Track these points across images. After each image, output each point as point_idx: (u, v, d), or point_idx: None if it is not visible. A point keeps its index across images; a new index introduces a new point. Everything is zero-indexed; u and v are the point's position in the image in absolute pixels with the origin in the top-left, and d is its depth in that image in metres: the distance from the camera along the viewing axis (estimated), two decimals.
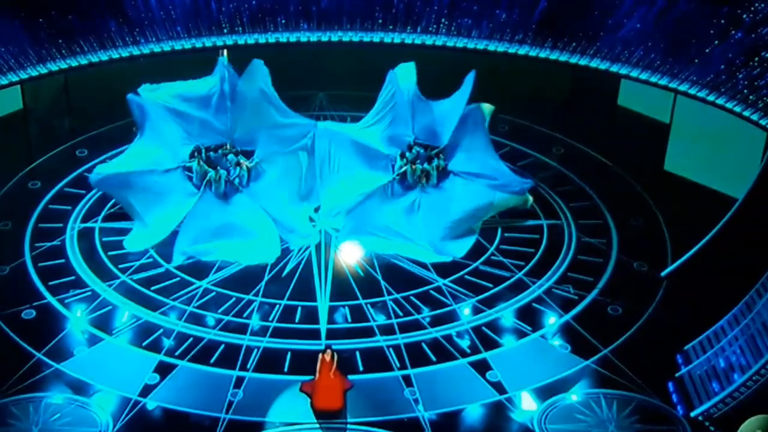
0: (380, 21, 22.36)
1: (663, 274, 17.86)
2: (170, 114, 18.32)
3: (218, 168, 18.11)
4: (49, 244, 18.34)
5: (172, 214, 17.90)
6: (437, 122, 18.87)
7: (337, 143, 18.50)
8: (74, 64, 21.09)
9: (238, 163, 18.29)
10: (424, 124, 18.91)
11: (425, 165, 18.45)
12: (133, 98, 18.22)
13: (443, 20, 22.17)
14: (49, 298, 17.00)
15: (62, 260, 17.96)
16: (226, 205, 17.98)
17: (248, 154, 18.53)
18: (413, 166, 18.50)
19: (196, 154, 18.36)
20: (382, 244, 18.07)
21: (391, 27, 22.35)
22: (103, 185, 18.31)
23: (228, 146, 18.56)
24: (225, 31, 22.01)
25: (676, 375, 15.61)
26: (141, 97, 18.21)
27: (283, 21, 22.28)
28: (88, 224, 18.91)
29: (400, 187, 18.53)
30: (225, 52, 22.83)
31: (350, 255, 18.13)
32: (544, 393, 15.36)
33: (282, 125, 18.43)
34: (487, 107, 18.84)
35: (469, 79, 18.67)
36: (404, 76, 18.78)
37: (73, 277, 17.54)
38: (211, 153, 18.42)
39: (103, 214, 19.10)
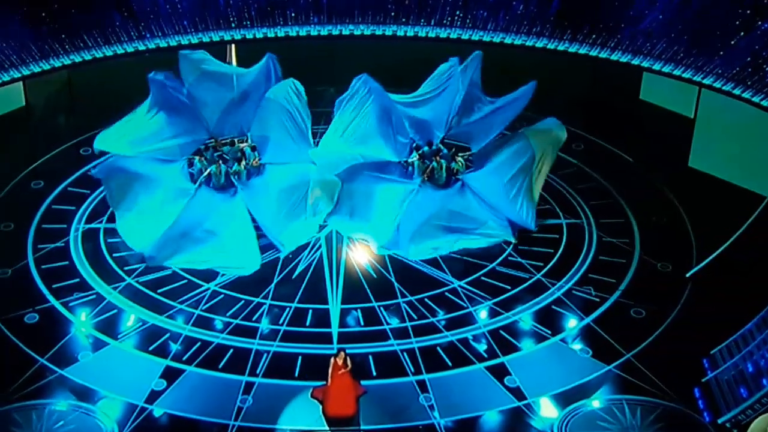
0: (393, 13, 22.29)
1: (688, 275, 17.80)
2: (190, 100, 18.39)
3: (219, 162, 18.12)
4: (52, 245, 18.39)
5: (166, 210, 17.72)
6: (480, 126, 18.61)
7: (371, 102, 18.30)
8: (78, 59, 21.06)
9: (243, 155, 18.35)
10: (464, 124, 18.72)
11: (433, 161, 18.29)
12: (155, 79, 18.18)
13: (458, 12, 22.08)
14: (53, 302, 17.03)
15: (66, 262, 17.99)
16: (214, 210, 17.78)
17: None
18: (422, 161, 18.37)
19: (202, 150, 18.38)
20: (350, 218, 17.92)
21: (404, 19, 22.27)
22: (106, 172, 18.08)
23: (242, 140, 18.71)
24: (233, 25, 21.97)
25: (703, 380, 15.53)
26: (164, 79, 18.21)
27: (293, 14, 22.24)
28: (93, 225, 18.95)
29: (404, 173, 18.35)
30: (233, 47, 22.90)
31: (362, 255, 18.12)
32: (565, 399, 15.30)
33: (292, 145, 18.40)
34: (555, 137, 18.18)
35: (527, 91, 18.25)
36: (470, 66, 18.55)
37: (77, 280, 17.58)
38: (226, 147, 18.58)
39: (108, 214, 19.07)
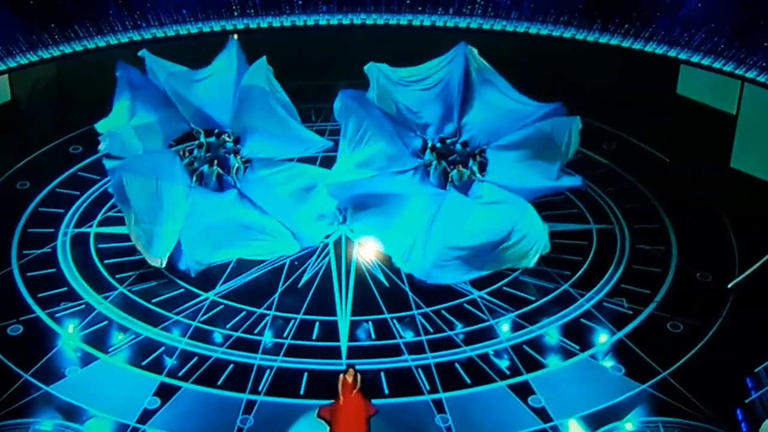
0: (408, 1, 22.30)
1: (730, 285, 17.66)
2: (167, 97, 18.47)
3: (214, 161, 18.13)
4: (38, 251, 18.36)
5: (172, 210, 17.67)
6: (494, 119, 18.42)
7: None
8: (68, 51, 21.23)
9: (235, 152, 18.38)
10: (477, 117, 18.59)
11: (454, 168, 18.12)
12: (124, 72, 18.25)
13: (478, 0, 22.08)
14: (39, 312, 16.99)
15: (53, 269, 17.98)
16: (224, 202, 17.85)
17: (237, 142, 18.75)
18: (438, 163, 18.24)
19: (186, 153, 18.41)
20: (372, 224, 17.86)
21: (420, 8, 22.32)
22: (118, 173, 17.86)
23: (226, 135, 18.75)
24: (235, 13, 22.08)
25: (746, 401, 15.29)
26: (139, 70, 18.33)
27: (300, 2, 22.28)
28: (83, 229, 18.93)
29: (424, 177, 18.21)
30: (235, 36, 22.86)
31: (374, 263, 18.08)
32: (595, 421, 15.14)
33: (282, 132, 18.44)
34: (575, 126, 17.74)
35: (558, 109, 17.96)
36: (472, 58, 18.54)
37: (65, 289, 17.54)
38: (212, 140, 18.63)
39: (98, 217, 19.11)
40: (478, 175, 18.01)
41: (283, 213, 17.90)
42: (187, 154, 18.35)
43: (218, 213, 17.59)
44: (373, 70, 18.73)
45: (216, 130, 18.84)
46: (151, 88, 18.58)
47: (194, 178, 17.91)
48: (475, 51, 18.62)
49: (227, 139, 18.63)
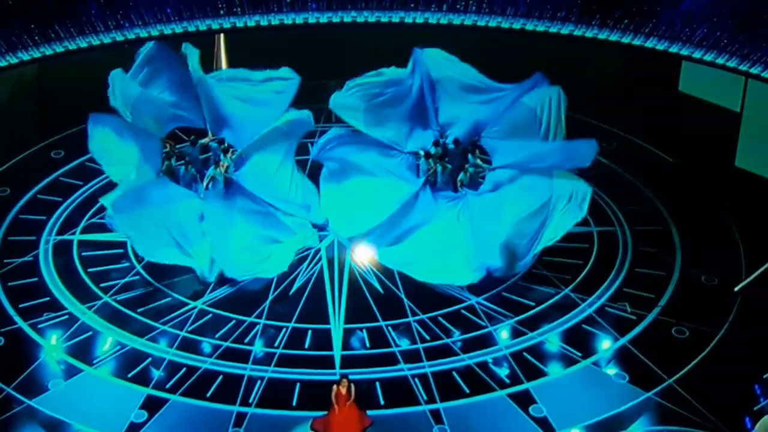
0: None
1: (736, 289, 17.69)
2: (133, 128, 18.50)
3: (218, 162, 18.34)
4: (19, 260, 18.32)
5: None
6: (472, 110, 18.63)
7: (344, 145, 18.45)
8: (49, 52, 21.01)
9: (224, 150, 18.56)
10: (451, 113, 18.75)
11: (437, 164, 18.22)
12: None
13: None
14: (20, 323, 16.94)
15: (35, 278, 17.93)
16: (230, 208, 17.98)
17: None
18: (443, 163, 18.22)
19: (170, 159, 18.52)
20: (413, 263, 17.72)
21: (412, 5, 22.24)
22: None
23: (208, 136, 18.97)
24: (221, 12, 21.92)
25: (755, 408, 15.29)
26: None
27: (289, 0, 22.21)
28: (65, 236, 18.89)
29: (433, 193, 18.24)
30: (222, 36, 22.81)
31: (367, 267, 18.06)
32: (598, 431, 15.14)
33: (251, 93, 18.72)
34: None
35: (537, 80, 18.34)
36: (432, 59, 18.68)
37: (47, 298, 17.49)
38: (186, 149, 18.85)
39: (82, 225, 19.07)
40: (484, 165, 18.15)
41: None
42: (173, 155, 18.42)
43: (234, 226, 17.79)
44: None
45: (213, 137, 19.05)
46: (182, 71, 18.75)
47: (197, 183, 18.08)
48: (432, 51, 18.82)
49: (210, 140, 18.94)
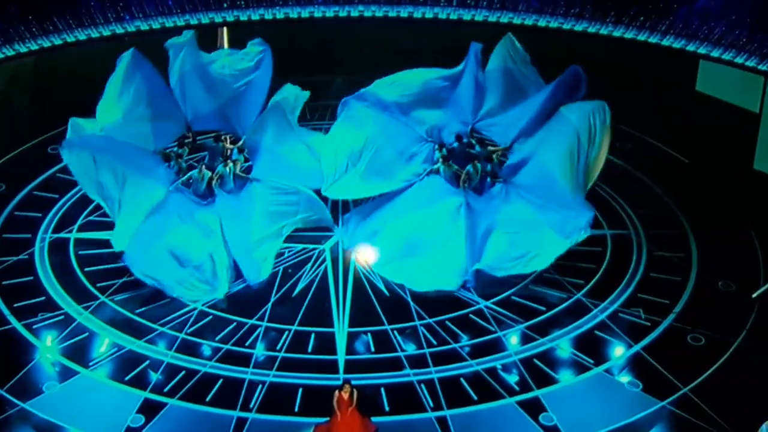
0: None
1: (754, 295, 17.63)
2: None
3: (202, 167, 18.10)
4: (15, 258, 18.33)
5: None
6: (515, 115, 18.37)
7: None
8: (47, 44, 21.17)
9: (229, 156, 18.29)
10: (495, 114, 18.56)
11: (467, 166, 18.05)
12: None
13: None
14: (14, 323, 16.93)
15: (30, 277, 17.94)
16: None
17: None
18: (448, 164, 18.14)
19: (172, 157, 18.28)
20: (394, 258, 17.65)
21: (421, 0, 22.25)
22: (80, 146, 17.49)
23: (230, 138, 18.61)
24: (225, 5, 21.98)
25: None
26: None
27: None
28: (62, 234, 18.89)
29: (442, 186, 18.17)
30: (225, 30, 22.82)
31: (372, 268, 18.03)
32: None
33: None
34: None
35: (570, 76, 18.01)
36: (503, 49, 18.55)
37: (42, 298, 17.49)
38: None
39: (79, 222, 19.08)
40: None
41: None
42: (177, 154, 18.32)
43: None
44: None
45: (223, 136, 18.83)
46: (158, 81, 18.43)
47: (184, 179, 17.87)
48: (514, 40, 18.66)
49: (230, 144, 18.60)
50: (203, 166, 18.05)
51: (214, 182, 17.90)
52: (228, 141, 18.67)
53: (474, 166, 18.04)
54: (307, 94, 18.24)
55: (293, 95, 18.15)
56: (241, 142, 18.43)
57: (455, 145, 18.44)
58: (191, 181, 17.96)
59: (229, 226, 17.54)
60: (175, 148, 18.49)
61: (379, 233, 17.91)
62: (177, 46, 18.57)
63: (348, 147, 18.03)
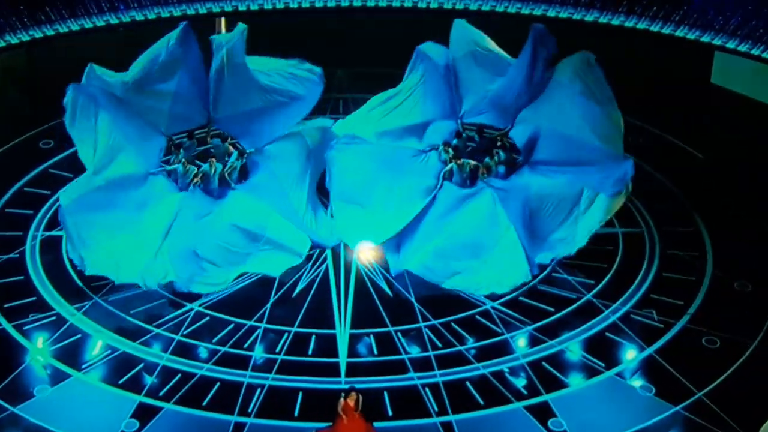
0: None
1: None
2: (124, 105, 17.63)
3: (212, 160, 17.76)
4: (5, 256, 18.34)
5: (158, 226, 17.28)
6: (501, 93, 17.95)
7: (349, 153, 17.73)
8: (39, 35, 21.17)
9: (228, 153, 18.00)
10: (480, 98, 18.15)
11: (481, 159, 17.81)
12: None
13: None
14: (4, 324, 16.93)
15: (21, 277, 17.95)
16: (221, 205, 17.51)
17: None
18: (459, 162, 17.94)
19: (173, 149, 17.97)
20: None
21: None
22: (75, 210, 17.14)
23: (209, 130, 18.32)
24: None
25: None
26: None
27: None
28: (54, 232, 18.83)
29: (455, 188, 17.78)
30: (223, 20, 22.76)
31: (375, 267, 18.08)
32: None
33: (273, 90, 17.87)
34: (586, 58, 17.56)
35: (536, 34, 17.47)
36: (458, 35, 18.20)
37: (34, 298, 17.50)
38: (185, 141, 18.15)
39: None
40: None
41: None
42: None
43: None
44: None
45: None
46: (196, 66, 17.83)
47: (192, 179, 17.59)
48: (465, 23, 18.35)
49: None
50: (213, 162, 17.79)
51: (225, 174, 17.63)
52: (232, 146, 18.37)
53: (491, 156, 17.78)
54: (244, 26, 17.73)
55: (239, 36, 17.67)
56: (247, 153, 18.11)
57: (455, 141, 18.27)
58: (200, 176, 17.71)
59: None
60: (185, 139, 18.18)
61: (427, 250, 17.32)
62: (226, 39, 18.11)
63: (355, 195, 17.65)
